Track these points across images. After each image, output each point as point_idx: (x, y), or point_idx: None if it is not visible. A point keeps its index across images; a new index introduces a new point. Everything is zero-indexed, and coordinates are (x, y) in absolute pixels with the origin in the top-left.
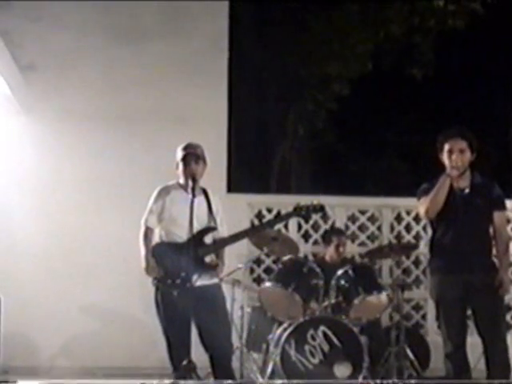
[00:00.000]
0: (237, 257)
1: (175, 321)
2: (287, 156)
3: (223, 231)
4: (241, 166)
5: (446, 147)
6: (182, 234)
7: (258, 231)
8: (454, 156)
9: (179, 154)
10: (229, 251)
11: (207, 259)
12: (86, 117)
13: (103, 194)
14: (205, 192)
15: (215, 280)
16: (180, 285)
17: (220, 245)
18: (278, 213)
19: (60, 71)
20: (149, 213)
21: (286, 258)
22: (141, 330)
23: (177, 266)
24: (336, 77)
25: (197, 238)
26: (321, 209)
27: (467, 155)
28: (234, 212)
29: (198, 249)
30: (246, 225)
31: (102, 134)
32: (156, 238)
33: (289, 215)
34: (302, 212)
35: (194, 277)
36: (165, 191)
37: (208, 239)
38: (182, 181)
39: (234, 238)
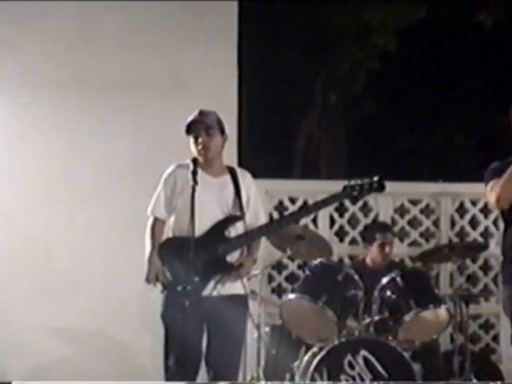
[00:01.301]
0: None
1: (186, 339)
2: (315, 132)
3: (257, 222)
4: (255, 145)
5: None
6: (199, 227)
7: (297, 220)
8: None
9: (188, 126)
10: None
11: (229, 258)
12: (56, 84)
13: (80, 190)
14: (232, 172)
15: (238, 289)
16: (193, 293)
17: (246, 239)
18: (304, 203)
19: (21, 24)
20: (156, 200)
21: (315, 261)
22: (130, 358)
23: (189, 268)
24: (378, 27)
25: (216, 231)
26: (381, 186)
27: None
28: None
29: (217, 245)
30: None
31: (78, 105)
32: (169, 233)
33: (335, 197)
34: (354, 192)
35: (211, 282)
36: (176, 172)
37: (232, 232)
38: (197, 158)
39: (265, 229)
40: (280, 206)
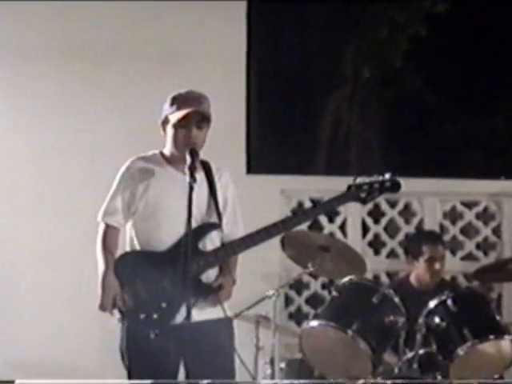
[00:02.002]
0: (263, 278)
1: (156, 378)
2: (343, 115)
3: (237, 230)
4: (267, 132)
5: None
6: (166, 238)
7: (289, 228)
8: None
9: (171, 109)
10: (248, 268)
11: (205, 278)
12: (33, 55)
13: (47, 183)
14: (205, 167)
15: (218, 313)
16: (160, 322)
17: (226, 253)
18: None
19: None
20: (110, 202)
21: (344, 280)
22: None
23: (155, 290)
24: None
25: (188, 244)
26: (394, 186)
27: None
28: (257, 203)
29: (191, 261)
30: (277, 218)
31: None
32: (126, 246)
33: (339, 199)
34: (362, 193)
35: (183, 308)
36: (139, 168)
37: (208, 244)
38: (168, 151)
39: (249, 240)
40: (299, 209)
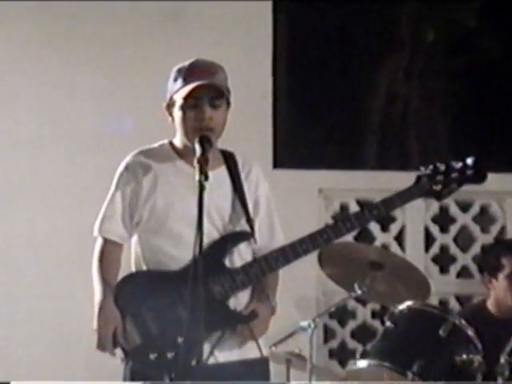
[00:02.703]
0: (296, 305)
1: None
2: (399, 91)
3: (274, 240)
4: (299, 115)
5: None
6: (180, 253)
7: (340, 236)
8: None
9: (175, 85)
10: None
11: (234, 303)
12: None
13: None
14: (227, 160)
15: (251, 351)
16: (175, 363)
17: (260, 269)
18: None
19: None
20: (107, 210)
21: (401, 306)
22: None
23: (168, 322)
24: None
25: (210, 260)
26: (478, 175)
27: None
28: (287, 206)
29: (213, 282)
30: (313, 229)
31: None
32: (130, 264)
33: (404, 196)
34: (436, 185)
35: (205, 345)
36: (142, 165)
37: (236, 259)
38: (179, 141)
39: (291, 252)
40: (341, 214)
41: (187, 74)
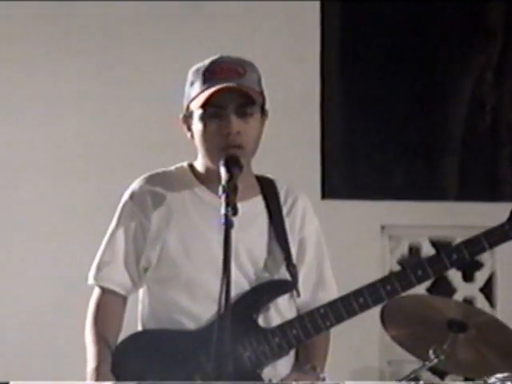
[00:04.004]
0: (354, 377)
1: None
2: (488, 97)
3: (324, 293)
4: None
5: None
6: (199, 308)
7: (408, 288)
8: None
9: (192, 90)
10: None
11: (269, 373)
12: None
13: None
14: (265, 188)
15: None
16: None
17: (304, 331)
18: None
19: None
20: (106, 250)
21: (492, 379)
22: None
23: None
24: None
25: (238, 318)
26: None
27: None
28: (341, 246)
29: (242, 347)
30: (374, 277)
31: None
32: (138, 323)
33: (494, 235)
34: None
35: None
36: (152, 194)
37: (273, 317)
38: (201, 164)
39: (343, 308)
40: (411, 257)
41: (207, 76)
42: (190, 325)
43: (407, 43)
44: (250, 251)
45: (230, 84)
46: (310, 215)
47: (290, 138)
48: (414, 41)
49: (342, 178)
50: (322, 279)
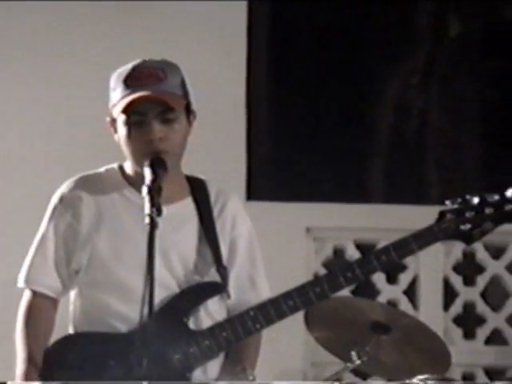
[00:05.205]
0: (278, 377)
1: None
2: (414, 101)
3: (256, 295)
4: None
5: None
6: (131, 311)
7: (336, 290)
8: None
9: (115, 95)
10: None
11: (199, 376)
12: None
13: None
14: (195, 190)
15: None
16: None
17: (234, 333)
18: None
19: None
20: (36, 253)
21: (413, 381)
22: None
23: None
24: None
25: (168, 320)
26: None
27: None
28: (266, 249)
29: (172, 349)
30: (299, 279)
31: None
32: (69, 326)
33: (422, 237)
34: (464, 225)
35: None
36: (81, 196)
37: (203, 319)
38: (130, 167)
39: (273, 310)
40: (336, 259)
41: (128, 82)
42: (122, 327)
43: (335, 47)
44: (180, 253)
45: (148, 92)
46: (241, 216)
47: (215, 139)
48: (341, 45)
49: (268, 179)
50: (252, 281)
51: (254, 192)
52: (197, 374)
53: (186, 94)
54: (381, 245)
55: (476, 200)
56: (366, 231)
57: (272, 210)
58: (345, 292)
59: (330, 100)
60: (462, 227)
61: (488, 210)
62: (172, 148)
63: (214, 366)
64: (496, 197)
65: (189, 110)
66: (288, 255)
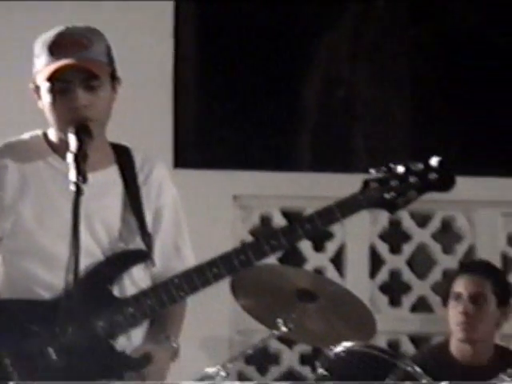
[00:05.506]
0: (202, 346)
1: None
2: (342, 70)
3: (181, 263)
4: (208, 102)
5: None
6: (55, 278)
7: (261, 258)
8: None
9: (40, 61)
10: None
11: (123, 344)
12: None
13: None
14: (121, 158)
15: None
16: None
17: (158, 300)
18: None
19: None
20: None
21: (338, 348)
22: None
23: (36, 371)
24: None
25: (92, 288)
26: (444, 180)
27: None
28: (193, 217)
29: (96, 317)
30: (226, 247)
31: None
32: None
33: (346, 206)
34: (388, 193)
35: None
36: (5, 163)
37: (127, 286)
38: (54, 134)
39: (198, 278)
40: (263, 227)
41: (52, 49)
42: (46, 295)
43: (263, 17)
44: (104, 221)
45: (73, 60)
46: (166, 184)
47: (142, 107)
48: (269, 15)
49: (195, 147)
50: (177, 249)
51: (181, 160)
52: (121, 341)
53: (110, 61)
54: (307, 213)
55: (400, 169)
56: (292, 199)
57: (199, 177)
58: (271, 260)
59: (257, 69)
60: (386, 196)
61: (412, 179)
62: (97, 115)
63: (138, 333)
64: (420, 165)
65: (114, 77)
66: (215, 223)
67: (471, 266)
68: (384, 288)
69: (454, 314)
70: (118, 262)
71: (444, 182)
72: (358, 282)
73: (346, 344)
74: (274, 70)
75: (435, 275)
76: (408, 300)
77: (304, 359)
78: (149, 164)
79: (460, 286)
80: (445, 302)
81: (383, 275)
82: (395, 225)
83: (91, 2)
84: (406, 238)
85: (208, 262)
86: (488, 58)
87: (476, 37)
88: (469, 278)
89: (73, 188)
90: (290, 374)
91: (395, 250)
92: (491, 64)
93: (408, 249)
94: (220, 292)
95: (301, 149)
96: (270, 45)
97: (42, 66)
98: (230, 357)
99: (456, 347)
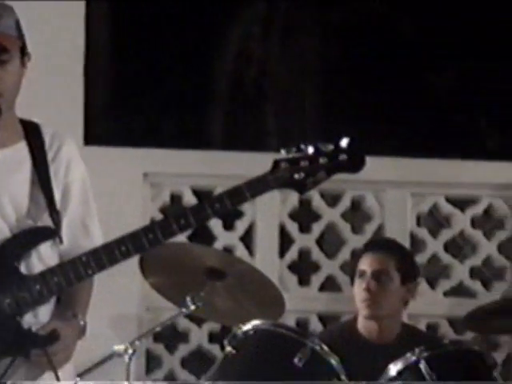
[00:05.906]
0: (111, 323)
1: None
2: (254, 49)
3: (88, 241)
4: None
5: None
6: None
7: (169, 236)
8: None
9: None
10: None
11: (29, 321)
12: None
13: None
14: (29, 134)
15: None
16: None
17: (65, 278)
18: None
19: None
20: None
21: (246, 327)
22: None
23: None
24: None
25: (1, 264)
26: (354, 160)
27: None
28: (103, 195)
29: (2, 293)
30: (136, 225)
31: None
32: None
33: (255, 185)
34: (297, 173)
35: None
36: None
37: (35, 264)
38: None
39: (106, 256)
40: (173, 205)
41: None
42: None
43: None
44: (12, 198)
45: None
46: (75, 161)
47: (52, 82)
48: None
49: (106, 124)
50: (85, 226)
51: (91, 137)
52: (27, 318)
53: (20, 36)
54: (218, 191)
55: (310, 149)
56: (203, 177)
57: (109, 155)
58: (181, 238)
59: (169, 45)
60: (296, 176)
61: (322, 160)
62: (5, 90)
63: (46, 310)
64: (330, 146)
65: (24, 52)
66: (125, 201)
67: (375, 243)
68: (293, 267)
69: (358, 292)
70: (25, 239)
71: (354, 163)
72: (267, 260)
73: (255, 322)
74: (186, 49)
75: (344, 255)
76: (317, 279)
77: (212, 337)
78: (58, 141)
79: (364, 263)
80: (353, 281)
81: (292, 254)
82: (305, 204)
83: None
84: (316, 217)
85: (116, 240)
86: (396, 40)
87: (385, 19)
88: (372, 256)
89: None
90: (198, 352)
91: (305, 229)
92: (399, 46)
93: (317, 228)
94: (129, 269)
95: (212, 127)
96: (182, 23)
97: None
98: (139, 334)
99: (362, 325)
